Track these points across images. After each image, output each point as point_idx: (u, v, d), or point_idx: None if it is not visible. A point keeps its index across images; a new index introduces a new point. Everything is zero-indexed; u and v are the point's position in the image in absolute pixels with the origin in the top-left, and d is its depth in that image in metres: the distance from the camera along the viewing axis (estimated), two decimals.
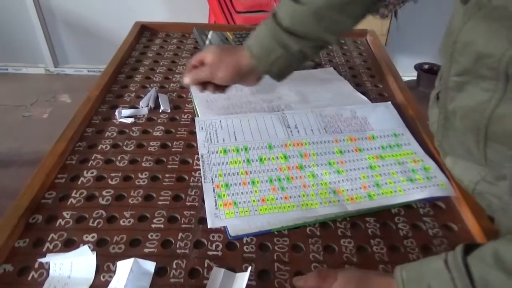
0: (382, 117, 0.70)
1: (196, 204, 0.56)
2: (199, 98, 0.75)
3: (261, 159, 0.61)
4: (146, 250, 0.49)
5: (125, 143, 0.66)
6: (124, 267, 0.45)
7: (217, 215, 0.53)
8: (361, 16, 0.64)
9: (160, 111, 0.74)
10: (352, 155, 0.63)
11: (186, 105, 0.76)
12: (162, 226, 0.52)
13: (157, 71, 0.87)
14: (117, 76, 0.84)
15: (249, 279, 0.45)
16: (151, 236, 0.51)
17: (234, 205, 0.54)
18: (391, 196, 0.57)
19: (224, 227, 0.52)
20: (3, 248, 0.48)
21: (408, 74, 2.13)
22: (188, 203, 0.56)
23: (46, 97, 2.35)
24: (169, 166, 0.62)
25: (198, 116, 0.71)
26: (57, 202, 0.55)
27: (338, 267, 0.48)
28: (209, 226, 0.52)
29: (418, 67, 2.01)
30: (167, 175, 0.60)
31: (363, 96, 0.78)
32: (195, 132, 0.67)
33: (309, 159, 0.62)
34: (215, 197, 0.55)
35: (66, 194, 0.57)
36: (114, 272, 0.46)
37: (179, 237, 0.51)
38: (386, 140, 0.66)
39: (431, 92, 0.60)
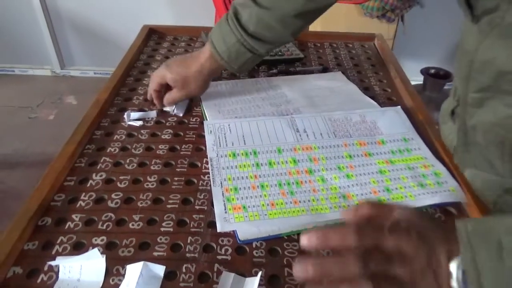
0: (392, 122, 0.70)
1: (205, 207, 0.55)
2: (208, 102, 0.75)
3: (270, 163, 0.61)
4: (155, 254, 0.49)
5: (133, 146, 0.66)
6: (133, 270, 0.45)
7: (227, 219, 0.52)
8: (315, 18, 0.69)
9: (174, 113, 0.74)
10: (361, 159, 0.63)
11: (195, 108, 0.76)
12: (171, 229, 0.52)
13: None
14: (126, 79, 0.84)
15: (259, 284, 0.45)
16: (160, 239, 0.51)
17: (244, 209, 0.54)
18: (402, 201, 0.56)
19: (233, 231, 0.52)
20: (13, 250, 0.48)
21: (414, 79, 2.12)
22: (197, 207, 0.56)
23: (52, 98, 2.36)
24: (178, 170, 0.62)
25: (206, 120, 0.71)
26: (66, 205, 0.55)
27: None
28: (218, 230, 0.51)
29: (425, 72, 2.00)
30: (176, 179, 0.60)
31: (372, 100, 0.77)
32: (204, 136, 0.67)
33: (318, 164, 0.61)
34: (224, 201, 0.55)
35: (75, 196, 0.57)
36: (123, 275, 0.46)
37: (188, 241, 0.51)
38: (396, 145, 0.65)
39: (442, 106, 0.60)
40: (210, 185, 0.58)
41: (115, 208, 0.55)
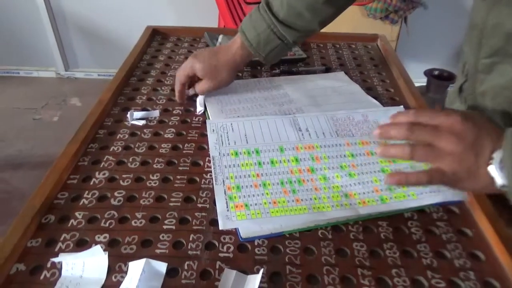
0: None
1: (207, 206, 0.56)
2: (210, 101, 0.75)
3: (272, 162, 0.61)
4: (158, 251, 0.49)
5: (136, 145, 0.66)
6: (136, 267, 0.45)
7: (229, 217, 0.53)
8: (345, 6, 0.69)
9: (198, 111, 0.75)
10: (363, 158, 0.63)
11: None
12: (173, 227, 0.52)
13: (168, 74, 0.87)
14: (129, 79, 0.85)
15: (261, 282, 0.45)
16: (163, 237, 0.51)
17: (246, 207, 0.54)
18: (404, 200, 0.56)
19: (235, 229, 0.52)
20: (16, 247, 0.48)
21: (418, 80, 2.12)
22: (199, 205, 0.56)
23: (56, 100, 2.37)
24: (180, 168, 0.62)
25: (209, 119, 0.71)
26: (70, 203, 0.56)
27: (351, 271, 0.48)
28: (220, 228, 0.51)
29: (428, 73, 2.00)
30: (178, 177, 0.60)
31: (374, 100, 0.77)
32: (206, 135, 0.67)
33: (320, 162, 0.61)
34: (226, 199, 0.55)
35: (78, 194, 0.57)
36: (125, 272, 0.46)
37: (190, 239, 0.51)
38: None
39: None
40: (212, 184, 0.58)
41: (118, 206, 0.55)
